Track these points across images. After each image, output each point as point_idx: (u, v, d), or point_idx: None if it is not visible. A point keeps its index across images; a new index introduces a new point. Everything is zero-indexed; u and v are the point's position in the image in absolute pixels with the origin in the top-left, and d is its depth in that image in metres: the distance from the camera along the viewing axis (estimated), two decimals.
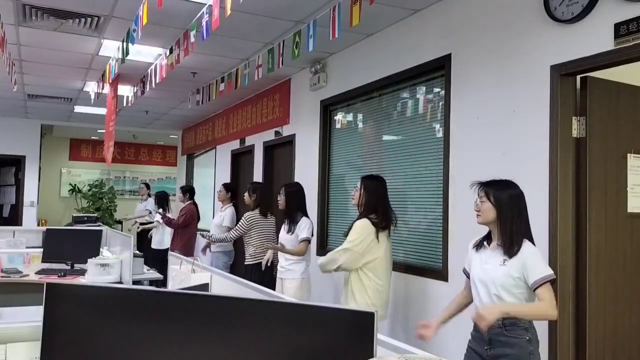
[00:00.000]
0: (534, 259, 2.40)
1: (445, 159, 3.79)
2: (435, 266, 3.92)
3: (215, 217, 6.63)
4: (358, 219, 3.57)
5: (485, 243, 2.57)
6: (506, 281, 2.41)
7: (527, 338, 2.40)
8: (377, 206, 3.57)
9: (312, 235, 4.44)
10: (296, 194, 4.50)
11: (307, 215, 4.48)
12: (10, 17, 4.51)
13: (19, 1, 4.20)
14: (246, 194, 5.34)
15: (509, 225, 2.45)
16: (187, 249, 6.76)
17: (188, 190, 7.34)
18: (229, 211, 6.34)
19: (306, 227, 4.36)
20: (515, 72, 3.28)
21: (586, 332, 2.91)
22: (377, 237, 3.49)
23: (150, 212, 8.27)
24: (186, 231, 6.86)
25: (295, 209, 4.43)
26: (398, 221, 3.76)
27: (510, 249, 2.43)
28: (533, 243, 2.48)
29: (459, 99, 3.73)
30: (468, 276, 2.67)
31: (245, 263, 5.06)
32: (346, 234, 3.58)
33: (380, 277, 3.52)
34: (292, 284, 4.31)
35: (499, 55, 3.41)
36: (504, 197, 2.48)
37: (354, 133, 5.11)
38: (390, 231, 3.64)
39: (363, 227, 3.47)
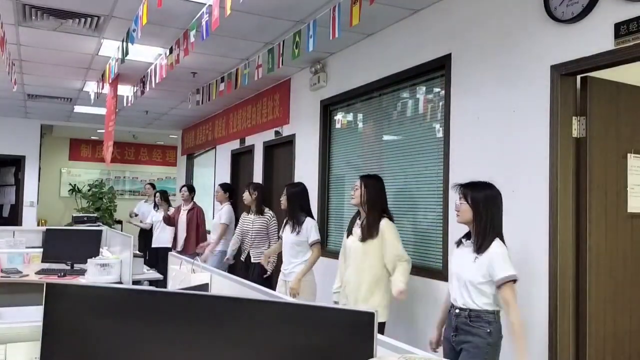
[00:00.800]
0: (499, 258, 2.60)
1: (445, 159, 3.79)
2: (435, 266, 3.92)
3: (215, 217, 6.63)
4: (371, 218, 3.55)
5: (463, 240, 2.80)
6: (475, 278, 2.63)
7: (488, 330, 2.60)
8: (382, 203, 3.61)
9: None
10: (299, 194, 4.42)
11: (311, 216, 4.41)
12: (10, 17, 4.51)
13: (19, 1, 4.20)
14: (246, 193, 5.34)
15: (482, 224, 2.66)
16: (192, 250, 6.76)
17: (193, 190, 7.26)
18: (225, 209, 6.36)
19: (314, 228, 4.31)
20: (515, 72, 3.28)
21: (586, 332, 2.91)
22: None
23: (156, 208, 8.18)
24: (199, 231, 6.83)
25: (298, 209, 4.36)
26: (398, 221, 3.77)
27: (481, 246, 2.64)
28: (504, 242, 2.67)
29: (459, 99, 3.73)
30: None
31: (255, 261, 5.12)
32: (356, 235, 3.58)
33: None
34: (305, 285, 4.23)
35: (499, 55, 3.41)
36: (480, 198, 2.69)
37: (354, 133, 5.11)
38: None
39: (390, 225, 3.54)
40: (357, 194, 3.61)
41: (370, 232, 3.51)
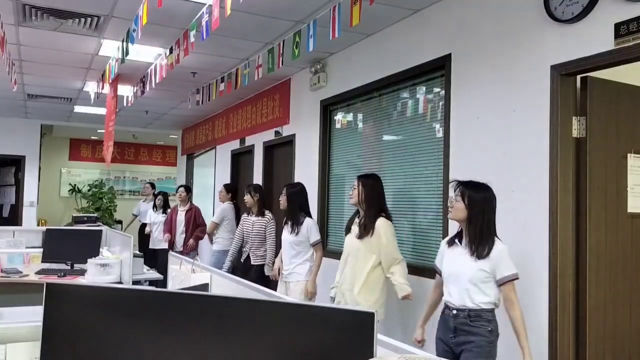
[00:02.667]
0: (505, 256, 2.64)
1: (445, 159, 3.79)
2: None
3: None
4: (367, 218, 3.56)
5: (456, 240, 2.79)
6: (476, 276, 2.64)
7: (490, 329, 2.62)
8: (380, 202, 3.63)
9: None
10: (298, 194, 4.43)
11: (310, 216, 4.41)
12: (10, 17, 4.51)
13: (19, 1, 4.20)
14: (247, 196, 5.33)
15: (478, 225, 2.67)
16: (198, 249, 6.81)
17: (191, 190, 7.33)
18: (220, 207, 6.43)
19: (314, 228, 4.32)
20: (515, 72, 3.27)
21: (586, 332, 2.91)
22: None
23: (155, 209, 8.19)
24: (199, 231, 6.88)
25: (297, 210, 4.36)
26: (397, 220, 3.77)
27: (480, 246, 2.65)
28: (498, 239, 2.71)
29: (459, 99, 3.73)
30: (439, 273, 2.90)
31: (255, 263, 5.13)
32: (353, 232, 3.63)
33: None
34: (297, 287, 4.25)
35: (499, 55, 3.41)
36: (478, 200, 2.69)
37: (354, 133, 5.11)
38: None
39: (387, 224, 3.56)
40: (354, 193, 3.64)
41: (366, 230, 3.53)
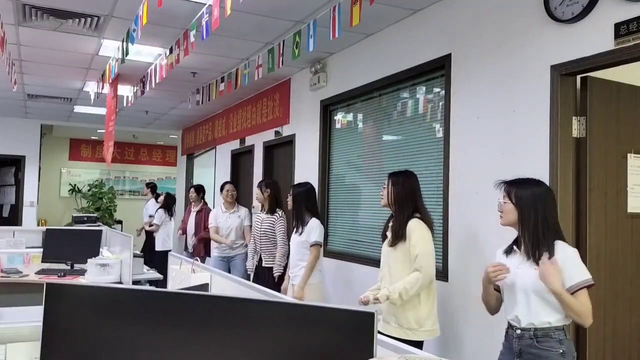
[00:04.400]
0: (570, 262, 2.24)
1: (445, 159, 3.79)
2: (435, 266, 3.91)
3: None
4: (400, 221, 3.17)
5: (515, 247, 2.42)
6: (540, 285, 2.24)
7: (561, 351, 2.23)
8: (413, 202, 3.20)
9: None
10: (304, 194, 4.26)
11: (317, 216, 4.24)
12: (10, 17, 4.51)
13: (19, 1, 4.20)
14: (258, 191, 5.00)
15: (532, 227, 2.31)
16: (208, 250, 6.79)
17: (200, 189, 7.28)
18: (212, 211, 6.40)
19: (316, 229, 4.12)
20: (516, 72, 3.27)
21: (586, 332, 2.91)
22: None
23: (151, 216, 8.23)
24: (207, 232, 6.86)
25: (303, 210, 4.21)
26: None
27: (538, 253, 2.27)
28: (564, 241, 2.33)
29: (459, 98, 3.73)
30: (498, 289, 2.48)
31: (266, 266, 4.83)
32: (388, 238, 3.23)
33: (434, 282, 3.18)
34: (309, 290, 4.09)
35: (499, 55, 3.41)
36: (526, 196, 2.35)
37: (354, 133, 5.11)
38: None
39: (421, 225, 3.13)
40: (384, 193, 3.26)
41: (397, 234, 3.13)
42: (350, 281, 4.86)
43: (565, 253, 2.26)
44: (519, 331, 2.31)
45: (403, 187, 3.20)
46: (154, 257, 7.65)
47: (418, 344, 3.00)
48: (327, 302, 4.32)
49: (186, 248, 6.92)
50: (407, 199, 3.19)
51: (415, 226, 3.10)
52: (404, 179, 3.24)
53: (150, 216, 8.28)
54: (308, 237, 4.12)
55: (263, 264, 4.84)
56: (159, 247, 7.71)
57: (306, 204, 4.24)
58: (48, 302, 1.39)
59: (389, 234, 3.22)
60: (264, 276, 4.77)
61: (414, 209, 3.18)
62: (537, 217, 2.31)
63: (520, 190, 2.36)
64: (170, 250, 6.90)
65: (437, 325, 3.16)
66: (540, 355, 2.24)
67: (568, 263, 2.23)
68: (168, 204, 7.90)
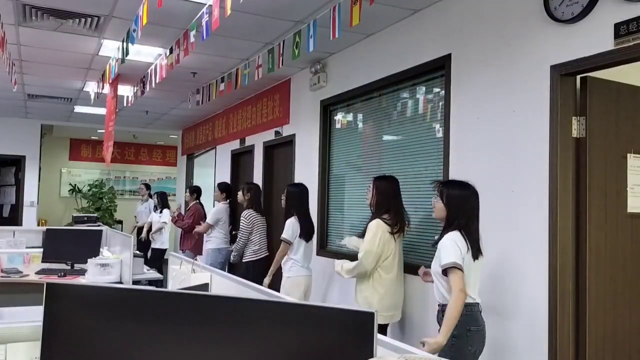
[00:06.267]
0: (441, 247, 2.74)
1: (445, 159, 3.79)
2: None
3: None
4: (371, 219, 3.66)
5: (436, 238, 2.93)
6: (436, 269, 2.78)
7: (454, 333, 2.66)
8: (389, 206, 3.66)
9: (297, 236, 4.48)
10: (296, 194, 4.59)
11: (304, 216, 4.54)
12: (10, 17, 4.51)
13: (19, 1, 4.20)
14: (240, 193, 5.55)
15: (453, 222, 2.77)
16: (197, 249, 6.81)
17: (195, 190, 7.37)
18: (213, 209, 6.51)
19: (288, 226, 4.46)
20: (515, 72, 3.27)
21: (586, 332, 2.91)
22: (393, 236, 3.63)
23: (156, 209, 8.23)
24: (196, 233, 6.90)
25: (291, 210, 4.53)
26: None
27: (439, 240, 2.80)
28: (464, 237, 2.74)
29: (459, 99, 3.73)
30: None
31: (245, 260, 5.27)
32: (361, 236, 3.69)
33: (391, 275, 3.65)
34: (286, 283, 4.48)
35: (499, 55, 3.41)
36: (454, 196, 2.80)
37: (354, 133, 5.11)
38: (404, 232, 3.76)
39: (378, 227, 3.58)
40: (369, 195, 3.74)
41: (363, 232, 3.67)
42: (349, 281, 4.85)
43: (444, 241, 2.74)
44: (438, 307, 2.85)
45: (378, 191, 3.67)
46: (151, 256, 7.68)
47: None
48: (309, 296, 4.61)
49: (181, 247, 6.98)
50: (381, 201, 3.65)
51: (371, 226, 3.58)
52: (386, 184, 3.70)
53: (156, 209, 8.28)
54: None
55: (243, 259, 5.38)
56: (157, 245, 7.74)
57: (294, 204, 4.55)
58: (48, 302, 1.39)
59: None
60: (252, 268, 5.22)
61: (386, 210, 3.63)
62: (458, 215, 2.78)
63: (450, 191, 2.82)
64: (166, 249, 6.95)
65: (392, 312, 3.69)
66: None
67: (441, 249, 2.73)
68: (166, 203, 7.96)
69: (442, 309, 2.74)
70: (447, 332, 2.61)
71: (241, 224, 5.34)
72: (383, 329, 3.69)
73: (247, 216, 5.34)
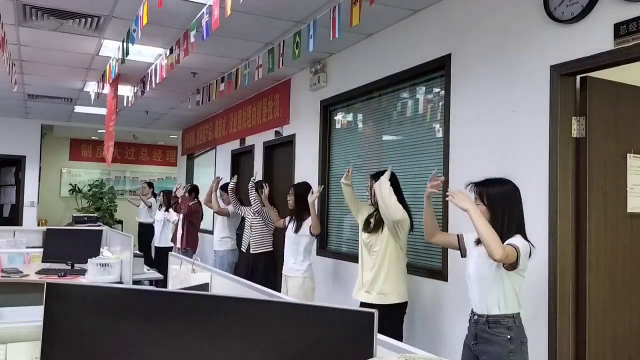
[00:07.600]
0: (511, 242, 2.42)
1: (445, 159, 3.79)
2: (434, 266, 3.92)
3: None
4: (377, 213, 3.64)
5: None
6: (488, 275, 2.50)
7: (508, 337, 2.46)
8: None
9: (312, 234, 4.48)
10: (306, 194, 4.56)
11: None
12: (10, 17, 4.52)
13: (19, 1, 4.20)
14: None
15: (499, 224, 2.48)
16: (193, 245, 6.80)
17: (193, 190, 7.34)
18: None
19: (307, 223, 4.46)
20: (515, 72, 3.28)
21: (586, 332, 2.91)
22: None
23: (161, 207, 8.21)
24: (191, 227, 6.88)
25: (303, 209, 4.51)
26: None
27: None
28: (526, 239, 2.50)
29: (459, 99, 3.73)
30: (458, 236, 2.82)
31: (253, 252, 5.28)
32: (371, 227, 3.68)
33: (403, 265, 3.64)
34: (295, 282, 4.41)
35: (499, 55, 3.41)
36: (495, 195, 2.54)
37: (354, 133, 5.11)
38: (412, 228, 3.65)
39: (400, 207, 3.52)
40: (369, 194, 3.75)
41: (377, 225, 3.64)
42: (349, 281, 4.85)
43: (513, 242, 2.43)
44: (475, 317, 2.57)
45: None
46: (155, 255, 7.68)
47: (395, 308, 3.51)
48: (317, 296, 4.58)
49: (175, 242, 6.96)
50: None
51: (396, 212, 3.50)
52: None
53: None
54: (304, 233, 4.45)
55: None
56: (161, 243, 7.74)
57: (305, 204, 4.49)
58: (48, 302, 1.39)
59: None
60: (259, 260, 5.26)
61: None
62: (504, 215, 2.50)
63: (489, 191, 2.55)
64: (172, 247, 6.93)
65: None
66: (490, 339, 2.49)
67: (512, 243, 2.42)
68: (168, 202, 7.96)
69: (488, 320, 2.49)
70: (479, 219, 2.40)
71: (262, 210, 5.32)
72: (404, 307, 3.63)
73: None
